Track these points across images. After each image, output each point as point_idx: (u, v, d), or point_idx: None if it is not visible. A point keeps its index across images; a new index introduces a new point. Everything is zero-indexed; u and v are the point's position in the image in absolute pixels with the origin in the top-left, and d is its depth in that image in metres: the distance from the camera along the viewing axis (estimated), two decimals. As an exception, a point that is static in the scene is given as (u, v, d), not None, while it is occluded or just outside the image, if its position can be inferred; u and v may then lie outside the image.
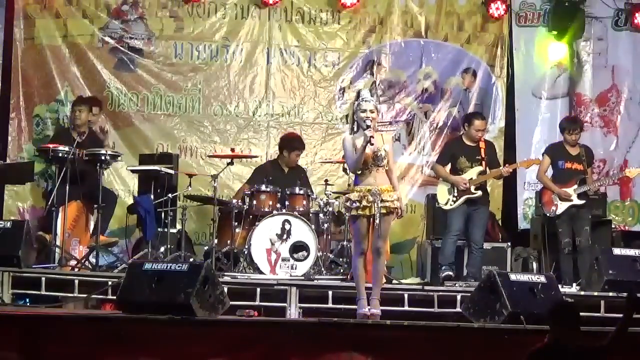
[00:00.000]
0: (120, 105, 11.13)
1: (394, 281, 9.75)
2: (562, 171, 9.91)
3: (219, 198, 9.76)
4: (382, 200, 7.49)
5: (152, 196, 9.58)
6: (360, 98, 7.68)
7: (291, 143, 10.24)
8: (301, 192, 9.73)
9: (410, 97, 11.63)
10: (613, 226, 11.05)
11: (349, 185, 9.16)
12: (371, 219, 7.50)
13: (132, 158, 10.72)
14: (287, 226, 9.34)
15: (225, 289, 7.62)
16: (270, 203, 9.60)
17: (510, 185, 11.47)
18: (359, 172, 7.60)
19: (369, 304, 7.58)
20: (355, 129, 7.68)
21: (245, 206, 9.59)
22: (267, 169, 10.16)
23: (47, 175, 10.54)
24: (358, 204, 7.50)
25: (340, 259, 9.65)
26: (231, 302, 7.57)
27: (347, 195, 7.73)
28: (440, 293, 8.72)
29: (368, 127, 7.51)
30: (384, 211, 7.49)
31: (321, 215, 9.67)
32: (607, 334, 5.47)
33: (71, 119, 9.97)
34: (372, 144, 7.41)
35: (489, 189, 10.22)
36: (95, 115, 10.47)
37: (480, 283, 8.06)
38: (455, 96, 11.68)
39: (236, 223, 9.52)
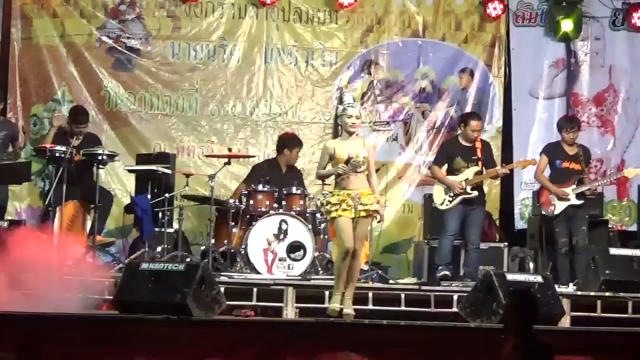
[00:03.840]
0: (117, 105, 11.11)
1: (391, 281, 9.75)
2: (559, 171, 9.89)
3: (216, 198, 9.76)
4: (361, 204, 7.56)
5: (149, 196, 9.60)
6: (345, 103, 7.85)
7: (292, 141, 10.29)
8: (298, 192, 9.72)
9: (407, 96, 11.62)
10: (610, 226, 11.01)
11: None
12: (352, 220, 7.56)
13: (129, 158, 10.71)
14: (284, 226, 9.35)
15: (222, 289, 7.63)
16: (267, 203, 9.59)
17: (507, 185, 11.46)
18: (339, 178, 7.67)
19: (342, 303, 7.67)
20: (339, 133, 7.82)
21: (242, 206, 9.59)
22: (264, 168, 10.15)
23: (44, 175, 10.53)
24: (337, 206, 7.56)
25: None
26: (228, 302, 7.59)
27: (326, 199, 7.83)
28: (437, 293, 8.72)
29: (352, 132, 7.66)
30: (363, 214, 7.58)
31: (318, 215, 9.68)
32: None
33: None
34: (345, 173, 7.55)
35: (485, 189, 10.22)
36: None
37: (477, 283, 8.08)
38: (452, 96, 11.67)
39: (233, 223, 9.52)
